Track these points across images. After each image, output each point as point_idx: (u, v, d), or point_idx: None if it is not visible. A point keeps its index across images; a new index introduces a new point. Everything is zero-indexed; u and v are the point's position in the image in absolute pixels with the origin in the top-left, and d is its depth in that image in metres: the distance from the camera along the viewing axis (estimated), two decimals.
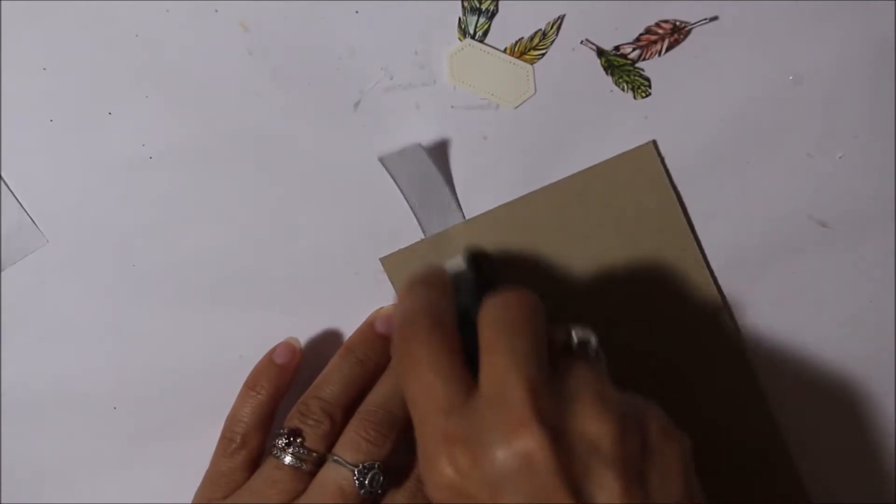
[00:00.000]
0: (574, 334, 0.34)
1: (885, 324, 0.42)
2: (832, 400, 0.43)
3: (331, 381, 0.39)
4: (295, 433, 0.37)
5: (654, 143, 0.40)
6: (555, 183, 0.40)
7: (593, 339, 0.34)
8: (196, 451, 0.40)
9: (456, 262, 0.40)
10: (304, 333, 0.41)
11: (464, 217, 0.41)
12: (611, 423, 0.30)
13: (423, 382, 0.32)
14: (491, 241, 0.41)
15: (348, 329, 0.42)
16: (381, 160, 0.39)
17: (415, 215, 0.40)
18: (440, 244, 0.41)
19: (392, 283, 0.41)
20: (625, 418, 0.30)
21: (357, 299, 0.41)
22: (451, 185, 0.40)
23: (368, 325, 0.41)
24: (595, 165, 0.40)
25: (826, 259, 0.42)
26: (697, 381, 0.43)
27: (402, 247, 0.41)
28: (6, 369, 0.41)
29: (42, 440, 0.42)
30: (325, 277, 0.41)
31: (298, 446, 0.37)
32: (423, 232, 0.41)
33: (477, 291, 0.38)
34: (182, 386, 0.42)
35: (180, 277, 0.41)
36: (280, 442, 0.37)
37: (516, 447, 0.29)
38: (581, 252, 0.41)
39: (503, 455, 0.29)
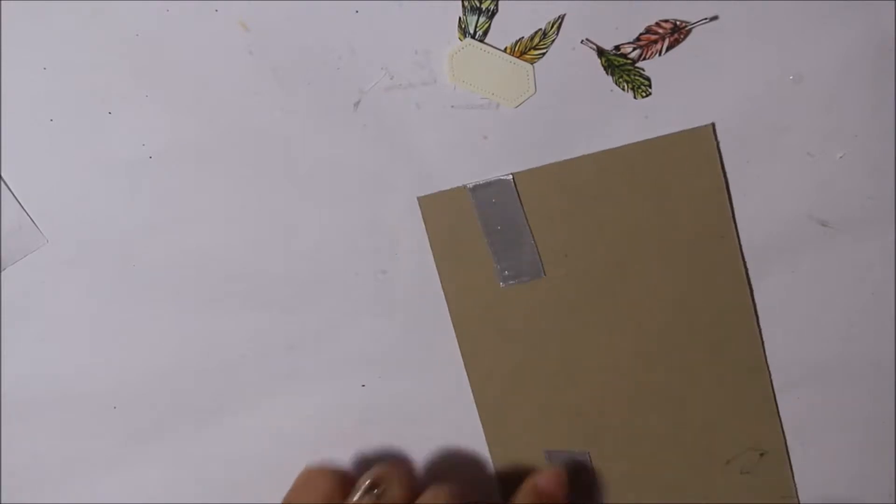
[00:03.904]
0: None
1: (885, 324, 0.42)
2: (831, 400, 0.43)
3: None
4: None
5: (713, 125, 0.40)
6: (608, 150, 0.40)
7: None
8: (196, 450, 0.40)
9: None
10: (303, 333, 0.41)
11: (544, 273, 0.41)
12: None
13: None
14: (534, 196, 0.41)
15: (348, 329, 0.42)
16: (470, 189, 0.39)
17: (494, 260, 0.41)
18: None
19: (425, 223, 0.41)
20: None
21: (357, 299, 0.41)
22: (532, 237, 0.41)
23: None
24: (651, 139, 0.40)
25: (826, 259, 0.42)
26: (707, 371, 0.42)
27: (403, 244, 0.41)
28: (6, 369, 0.41)
29: (42, 440, 0.42)
30: (325, 277, 0.41)
31: None
32: (499, 279, 0.41)
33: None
34: (182, 386, 0.42)
35: (180, 277, 0.41)
36: None
37: None
38: (618, 221, 0.41)
39: None
